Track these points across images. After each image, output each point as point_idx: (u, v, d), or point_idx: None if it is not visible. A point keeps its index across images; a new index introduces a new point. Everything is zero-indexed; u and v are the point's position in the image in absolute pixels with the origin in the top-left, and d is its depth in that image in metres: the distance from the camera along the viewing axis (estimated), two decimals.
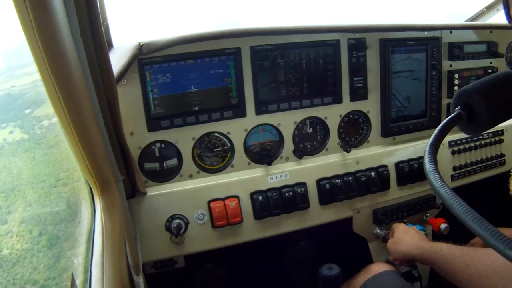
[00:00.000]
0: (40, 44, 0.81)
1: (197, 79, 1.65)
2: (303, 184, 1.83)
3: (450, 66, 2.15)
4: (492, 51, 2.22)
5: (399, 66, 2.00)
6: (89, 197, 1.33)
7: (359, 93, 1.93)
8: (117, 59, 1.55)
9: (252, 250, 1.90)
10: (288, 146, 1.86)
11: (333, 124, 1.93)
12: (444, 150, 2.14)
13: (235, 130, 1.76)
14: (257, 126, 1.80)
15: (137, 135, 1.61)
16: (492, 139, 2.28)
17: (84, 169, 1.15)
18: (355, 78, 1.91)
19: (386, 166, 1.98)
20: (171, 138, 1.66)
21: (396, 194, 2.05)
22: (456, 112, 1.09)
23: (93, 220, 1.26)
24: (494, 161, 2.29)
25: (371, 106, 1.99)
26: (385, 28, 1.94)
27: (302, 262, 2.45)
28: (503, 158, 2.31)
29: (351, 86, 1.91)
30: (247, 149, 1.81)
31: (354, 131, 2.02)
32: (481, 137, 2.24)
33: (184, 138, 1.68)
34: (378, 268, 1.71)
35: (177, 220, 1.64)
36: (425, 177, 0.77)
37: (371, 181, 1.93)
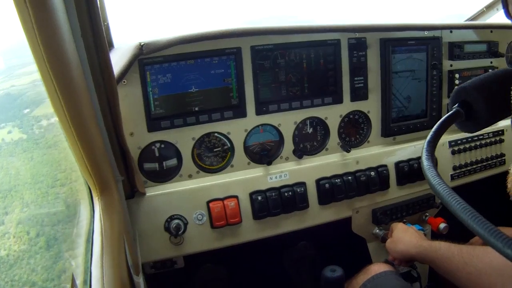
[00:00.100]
0: (41, 44, 0.81)
1: (198, 79, 1.65)
2: (302, 184, 1.82)
3: (451, 65, 2.15)
4: (492, 50, 2.22)
5: (399, 66, 1.99)
6: (88, 197, 1.33)
7: (359, 93, 1.92)
8: (118, 59, 1.54)
9: (252, 250, 1.89)
10: (288, 146, 1.86)
11: (333, 124, 1.93)
12: (444, 150, 2.14)
13: (235, 130, 1.75)
14: (257, 126, 1.80)
15: (137, 135, 1.60)
16: (492, 139, 2.28)
17: (84, 169, 1.15)
18: (355, 78, 1.90)
19: (386, 165, 1.98)
20: (171, 138, 1.66)
21: (395, 193, 2.05)
22: (454, 109, 1.08)
23: (92, 220, 1.26)
24: (494, 160, 2.29)
25: (372, 106, 1.98)
26: (385, 27, 1.93)
27: (301, 262, 2.45)
28: (503, 158, 2.32)
29: (351, 86, 1.90)
30: (247, 149, 1.81)
31: (354, 131, 2.01)
32: (481, 137, 2.25)
33: (184, 138, 1.68)
34: (377, 268, 1.71)
35: (176, 221, 1.63)
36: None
37: (371, 180, 1.93)
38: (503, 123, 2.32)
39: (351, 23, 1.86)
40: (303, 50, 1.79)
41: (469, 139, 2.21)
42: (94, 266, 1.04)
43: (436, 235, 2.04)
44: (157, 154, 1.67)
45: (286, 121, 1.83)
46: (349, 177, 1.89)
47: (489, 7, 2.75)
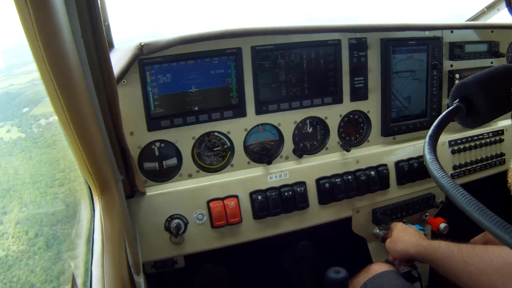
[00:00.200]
0: (41, 44, 0.80)
1: (198, 79, 1.65)
2: (302, 184, 1.82)
3: (451, 66, 2.14)
4: (493, 50, 2.22)
5: (400, 66, 1.99)
6: (88, 197, 1.33)
7: (359, 93, 1.92)
8: (118, 59, 1.54)
9: (252, 250, 1.89)
10: (288, 145, 1.86)
11: (333, 124, 1.93)
12: (444, 149, 2.14)
13: (235, 129, 1.75)
14: (257, 125, 1.79)
15: (137, 134, 1.60)
16: (492, 139, 2.28)
17: (84, 169, 1.15)
18: (355, 78, 1.90)
19: (386, 165, 1.98)
20: (171, 138, 1.66)
21: (395, 193, 2.04)
22: (455, 104, 1.08)
23: (92, 220, 1.26)
24: (494, 160, 2.29)
25: (372, 106, 1.98)
26: (386, 28, 1.93)
27: (302, 262, 2.45)
28: (503, 157, 2.32)
29: (351, 86, 1.90)
30: (247, 149, 1.81)
31: (354, 131, 2.01)
32: (481, 136, 2.25)
33: (184, 137, 1.68)
34: (378, 268, 1.71)
35: (176, 220, 1.63)
36: (425, 175, 0.75)
37: (371, 180, 1.93)
38: (503, 123, 2.33)
39: (352, 23, 1.85)
40: (304, 50, 1.79)
41: (469, 139, 2.21)
42: (95, 265, 1.04)
43: (436, 235, 2.04)
44: (157, 154, 1.67)
45: (286, 121, 1.83)
46: (349, 177, 1.89)
47: (490, 7, 2.75)
